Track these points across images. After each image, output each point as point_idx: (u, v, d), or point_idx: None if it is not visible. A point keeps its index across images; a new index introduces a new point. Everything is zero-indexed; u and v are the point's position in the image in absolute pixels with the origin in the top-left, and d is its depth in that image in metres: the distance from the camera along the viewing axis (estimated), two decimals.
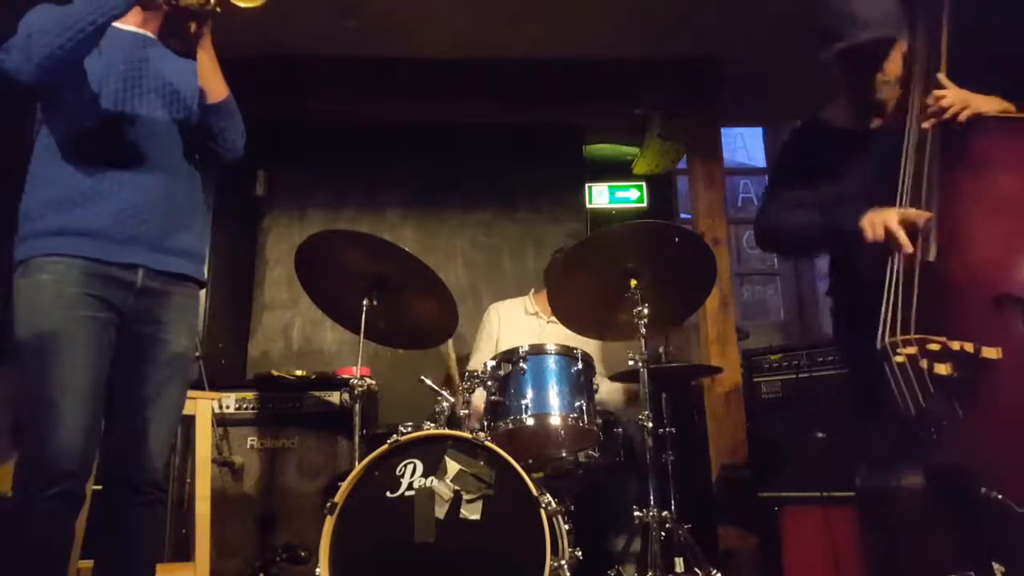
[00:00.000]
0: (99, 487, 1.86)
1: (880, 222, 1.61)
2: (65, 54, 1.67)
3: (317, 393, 3.24)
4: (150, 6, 1.89)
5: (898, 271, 1.59)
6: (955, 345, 1.48)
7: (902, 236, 1.58)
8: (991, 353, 1.48)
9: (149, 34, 1.99)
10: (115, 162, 1.81)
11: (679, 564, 2.44)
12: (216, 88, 1.95)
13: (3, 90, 1.72)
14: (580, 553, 2.29)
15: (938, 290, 1.56)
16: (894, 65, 1.77)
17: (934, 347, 1.49)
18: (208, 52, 1.94)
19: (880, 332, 1.56)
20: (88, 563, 1.88)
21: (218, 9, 1.84)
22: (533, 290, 3.49)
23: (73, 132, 1.81)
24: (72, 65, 1.73)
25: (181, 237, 1.90)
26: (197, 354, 2.88)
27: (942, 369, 1.48)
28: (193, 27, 1.89)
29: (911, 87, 1.74)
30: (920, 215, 1.60)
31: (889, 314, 1.56)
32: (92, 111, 1.81)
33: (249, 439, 3.17)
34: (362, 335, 2.50)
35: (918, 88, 1.73)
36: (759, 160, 5.91)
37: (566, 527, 2.23)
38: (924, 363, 1.49)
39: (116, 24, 1.91)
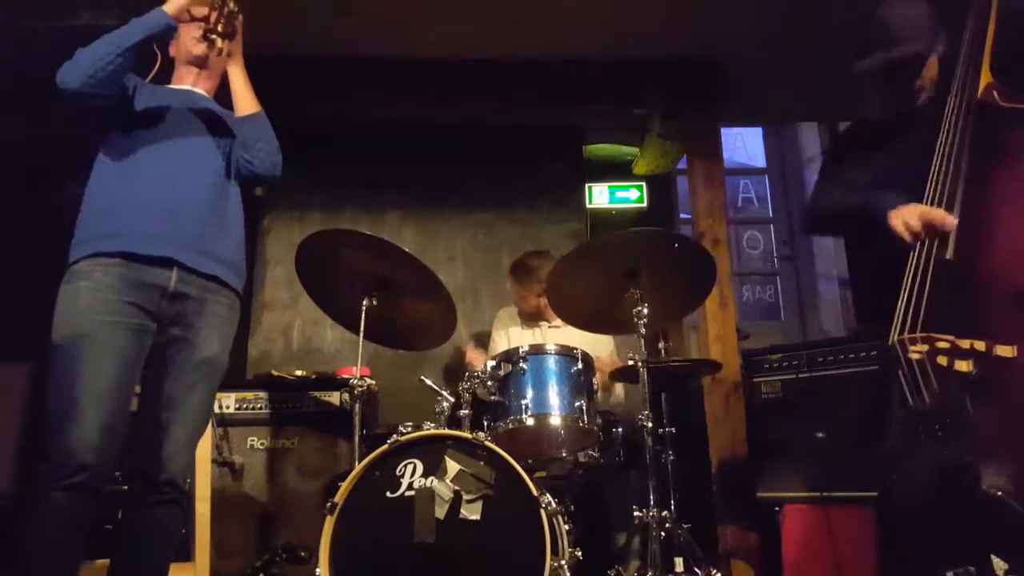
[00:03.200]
0: (124, 487, 1.94)
1: (902, 219, 1.66)
2: (105, 66, 1.83)
3: (317, 393, 3.24)
4: (208, 76, 2.11)
5: (916, 267, 1.59)
6: (964, 343, 1.47)
7: (917, 232, 1.62)
8: (1005, 351, 1.45)
9: (204, 92, 2.13)
10: (155, 176, 1.92)
11: (679, 564, 2.44)
12: (246, 103, 2.06)
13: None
14: (580, 553, 2.29)
15: (957, 286, 1.54)
16: (931, 71, 1.88)
17: (943, 345, 1.48)
18: (239, 68, 2.06)
19: (893, 328, 1.56)
20: (105, 562, 1.90)
21: (234, 7, 1.96)
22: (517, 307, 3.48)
23: (120, 150, 1.95)
24: (113, 77, 1.86)
25: (216, 244, 1.96)
26: None
27: (963, 366, 1.46)
28: (225, 48, 1.98)
29: (952, 86, 1.74)
30: (943, 218, 1.60)
31: (903, 310, 1.55)
32: (141, 135, 1.95)
33: (249, 439, 3.16)
34: (362, 335, 2.50)
35: (960, 85, 1.73)
36: (759, 160, 5.90)
37: (566, 527, 2.23)
38: (943, 360, 1.47)
39: (171, 86, 2.12)
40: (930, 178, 1.65)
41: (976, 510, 1.43)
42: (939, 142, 1.67)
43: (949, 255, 1.55)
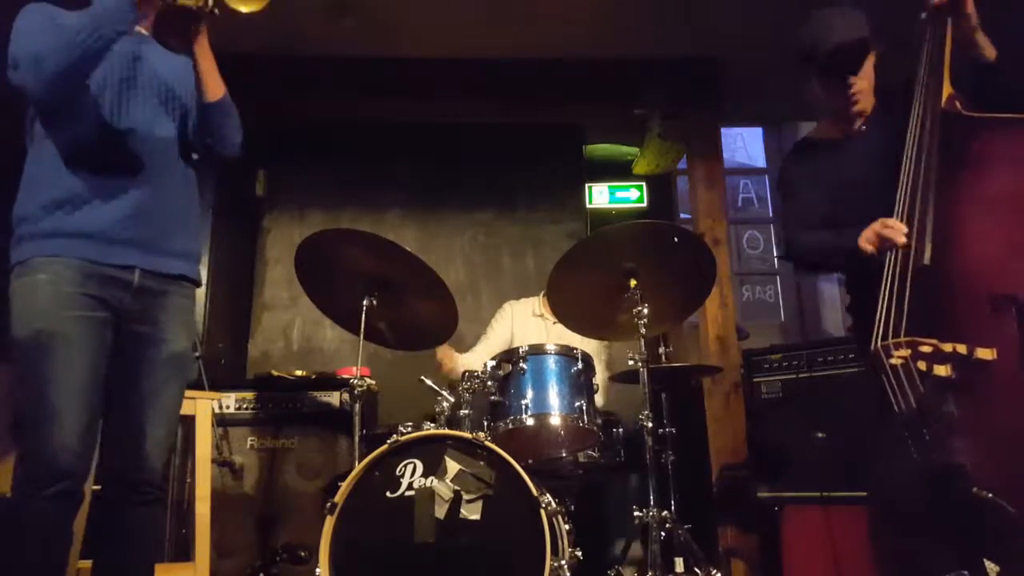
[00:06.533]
0: (98, 487, 1.86)
1: (864, 236, 1.73)
2: (74, 71, 1.71)
3: (317, 393, 3.25)
4: (145, 5, 1.87)
5: (893, 275, 1.62)
6: (947, 347, 1.50)
7: (896, 236, 1.66)
8: (985, 354, 1.48)
9: (143, 31, 1.99)
10: (113, 166, 1.82)
11: (679, 564, 2.45)
12: (213, 87, 1.94)
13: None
14: (580, 553, 2.29)
15: (935, 292, 1.57)
16: (866, 74, 1.93)
17: (926, 349, 1.51)
18: (204, 50, 1.93)
19: (874, 336, 1.59)
20: (87, 563, 1.88)
21: (216, 12, 1.84)
22: (543, 292, 3.49)
23: (72, 136, 1.81)
24: (81, 79, 1.75)
25: (178, 239, 1.90)
26: (197, 354, 2.88)
27: (941, 371, 1.49)
28: (191, 27, 1.88)
29: (916, 91, 1.78)
30: (894, 233, 1.65)
31: (883, 318, 1.59)
32: (90, 116, 1.82)
33: (249, 439, 3.17)
34: (362, 335, 2.50)
35: (922, 91, 1.76)
36: (759, 160, 5.90)
37: (566, 527, 2.23)
38: (923, 365, 1.50)
39: None
40: (899, 187, 1.69)
41: (967, 514, 1.44)
42: (907, 149, 1.71)
43: (926, 261, 1.58)
